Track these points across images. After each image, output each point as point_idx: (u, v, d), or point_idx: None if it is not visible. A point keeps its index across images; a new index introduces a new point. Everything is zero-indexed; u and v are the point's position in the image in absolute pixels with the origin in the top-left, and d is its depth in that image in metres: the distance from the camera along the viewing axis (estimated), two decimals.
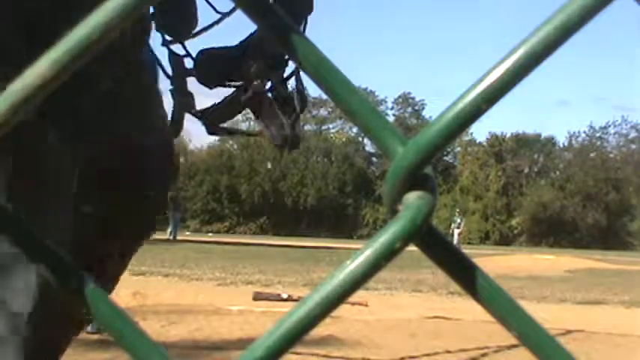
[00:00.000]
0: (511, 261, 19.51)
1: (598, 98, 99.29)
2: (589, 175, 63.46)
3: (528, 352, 0.33)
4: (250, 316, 5.67)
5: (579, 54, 63.95)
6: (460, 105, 0.31)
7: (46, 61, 0.29)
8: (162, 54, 1.68)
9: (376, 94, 71.21)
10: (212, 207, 65.08)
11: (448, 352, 4.34)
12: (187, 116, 1.72)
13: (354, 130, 67.18)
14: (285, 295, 6.82)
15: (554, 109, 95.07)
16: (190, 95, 1.75)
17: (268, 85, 1.71)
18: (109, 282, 1.31)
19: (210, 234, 50.93)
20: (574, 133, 68.64)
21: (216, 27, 1.84)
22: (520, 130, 67.76)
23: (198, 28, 1.71)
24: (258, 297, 6.78)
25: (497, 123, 71.69)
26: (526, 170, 67.43)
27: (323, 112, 71.42)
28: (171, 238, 26.10)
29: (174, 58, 1.72)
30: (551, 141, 68.37)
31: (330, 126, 73.48)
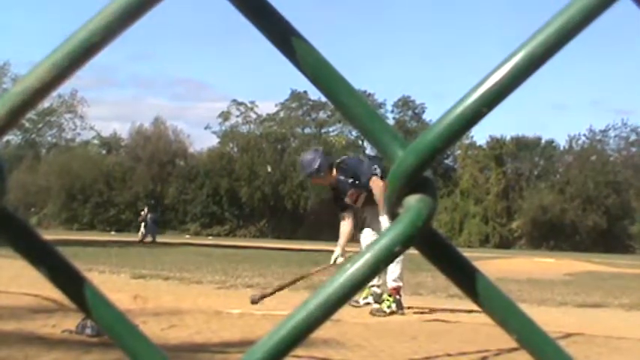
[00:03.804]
0: (511, 264, 19.49)
1: (595, 101, 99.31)
2: (589, 178, 63.40)
3: (528, 355, 0.33)
4: (250, 319, 5.65)
5: (578, 56, 63.83)
6: (460, 108, 0.31)
7: (46, 64, 0.29)
8: None
9: (376, 97, 71.16)
10: (212, 210, 64.95)
11: (448, 355, 4.32)
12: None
13: (354, 133, 67.15)
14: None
15: (552, 111, 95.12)
16: None
17: None
18: None
19: (210, 237, 50.84)
20: (574, 136, 68.75)
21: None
22: (520, 133, 67.82)
23: None
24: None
25: (497, 126, 71.48)
26: (526, 173, 67.42)
27: (322, 115, 71.34)
28: (149, 240, 27.89)
29: None
30: (551, 144, 68.32)
31: (330, 129, 73.42)
